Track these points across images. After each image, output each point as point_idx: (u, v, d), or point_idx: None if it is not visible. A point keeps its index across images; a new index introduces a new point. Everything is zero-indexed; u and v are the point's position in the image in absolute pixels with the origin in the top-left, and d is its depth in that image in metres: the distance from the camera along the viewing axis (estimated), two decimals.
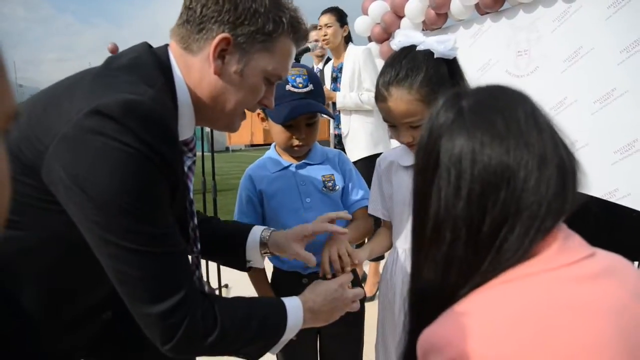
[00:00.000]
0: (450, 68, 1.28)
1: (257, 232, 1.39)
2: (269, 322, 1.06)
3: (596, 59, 3.62)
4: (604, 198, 3.05)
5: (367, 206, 1.67)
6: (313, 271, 1.58)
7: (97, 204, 0.84)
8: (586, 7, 3.68)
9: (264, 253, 1.40)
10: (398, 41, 1.33)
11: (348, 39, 3.69)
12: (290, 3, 1.09)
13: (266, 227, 1.42)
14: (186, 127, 1.08)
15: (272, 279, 1.74)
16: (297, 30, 1.09)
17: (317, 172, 1.64)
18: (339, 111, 3.63)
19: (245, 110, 1.16)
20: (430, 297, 0.71)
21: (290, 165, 1.64)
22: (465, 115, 0.70)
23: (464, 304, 0.67)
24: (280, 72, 1.10)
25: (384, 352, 1.57)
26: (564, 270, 0.64)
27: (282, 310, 1.08)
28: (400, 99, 1.27)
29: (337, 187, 1.64)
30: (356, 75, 3.54)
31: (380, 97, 1.33)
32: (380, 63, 5.21)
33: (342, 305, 1.20)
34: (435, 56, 1.26)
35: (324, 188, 1.62)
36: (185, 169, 1.16)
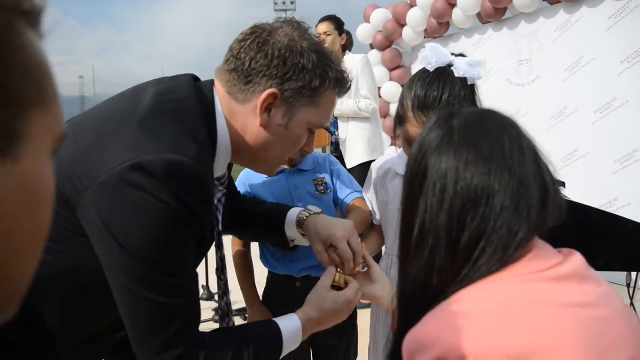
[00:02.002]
0: (473, 89, 1.27)
1: (294, 213, 1.40)
2: (262, 357, 1.03)
3: (597, 68, 3.63)
4: (603, 208, 3.05)
5: (360, 197, 1.66)
6: (306, 274, 1.60)
7: (126, 252, 0.86)
8: (587, 17, 3.70)
9: (302, 233, 1.40)
10: (434, 61, 1.27)
11: (344, 47, 3.71)
12: (335, 57, 1.10)
13: (303, 208, 1.44)
14: (221, 166, 1.09)
15: (267, 283, 1.74)
16: (343, 85, 1.11)
17: (308, 176, 1.66)
18: (336, 118, 3.66)
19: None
20: (416, 299, 0.75)
21: (284, 170, 1.64)
22: (454, 134, 0.74)
23: (445, 305, 0.70)
24: (323, 122, 1.12)
25: (375, 358, 1.56)
26: (535, 275, 0.69)
27: (278, 341, 1.07)
28: None
29: (329, 190, 1.65)
30: (354, 83, 3.55)
31: (415, 123, 1.26)
32: (380, 70, 5.24)
33: (344, 316, 1.18)
34: (468, 82, 1.24)
35: (315, 192, 1.63)
36: (215, 201, 1.16)
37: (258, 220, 1.48)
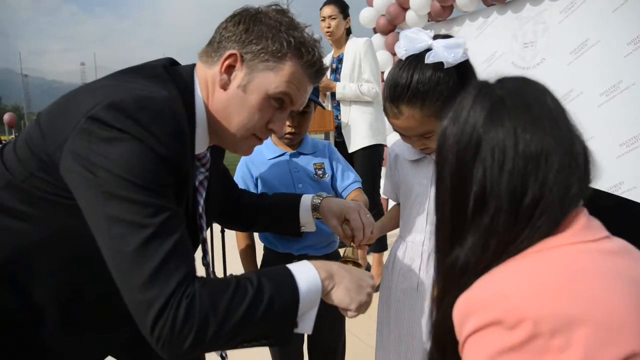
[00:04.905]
0: (460, 72, 1.22)
1: (307, 199, 1.49)
2: (274, 296, 0.92)
3: (603, 51, 3.58)
4: (609, 191, 3.03)
5: (359, 188, 1.77)
6: (304, 253, 1.66)
7: (104, 182, 0.86)
8: None
9: (318, 217, 1.49)
10: (404, 49, 1.25)
11: (349, 31, 3.69)
12: (306, 32, 1.13)
13: (315, 195, 1.51)
14: (200, 142, 1.11)
15: (263, 260, 1.79)
16: (302, 55, 1.10)
17: (308, 160, 1.74)
18: (339, 102, 3.66)
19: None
20: (471, 265, 0.76)
21: (285, 153, 1.73)
22: (507, 101, 0.76)
23: (500, 269, 0.72)
24: (283, 95, 1.10)
25: (381, 342, 1.55)
26: (590, 245, 0.70)
27: (291, 280, 0.96)
28: (412, 116, 1.23)
29: (327, 175, 1.75)
30: (356, 67, 3.46)
31: (390, 114, 1.28)
32: (383, 54, 5.20)
33: (364, 288, 1.06)
34: (445, 67, 1.20)
35: (315, 175, 1.72)
36: (197, 183, 1.18)
37: (269, 210, 1.52)
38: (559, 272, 0.67)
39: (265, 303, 0.91)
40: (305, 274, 0.99)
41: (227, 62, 1.07)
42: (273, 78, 1.08)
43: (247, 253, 1.79)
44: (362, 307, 1.06)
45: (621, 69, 3.45)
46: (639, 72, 3.37)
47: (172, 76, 1.06)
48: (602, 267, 0.67)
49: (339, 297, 1.03)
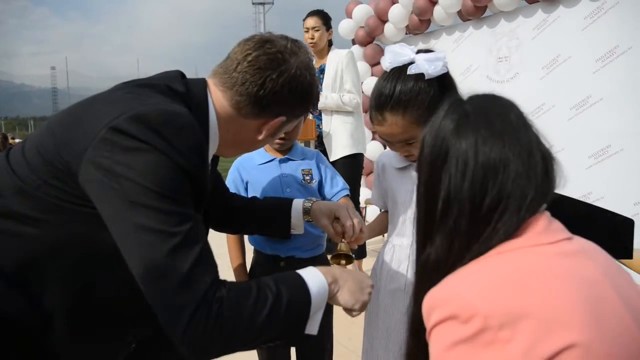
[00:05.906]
0: (441, 83, 1.31)
1: (298, 204, 1.56)
2: (290, 298, 0.99)
3: (573, 67, 3.75)
4: None
5: (347, 195, 1.84)
6: (291, 255, 1.72)
7: (129, 192, 0.88)
8: (564, 17, 3.81)
9: (309, 220, 1.56)
10: (389, 62, 1.35)
11: (330, 42, 3.76)
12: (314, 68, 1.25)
13: (306, 199, 1.58)
14: (211, 156, 1.18)
15: (252, 262, 1.86)
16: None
17: (297, 166, 1.81)
18: (321, 111, 3.74)
19: None
20: (441, 263, 0.83)
21: (275, 159, 1.80)
22: (471, 117, 0.83)
23: (463, 270, 0.79)
24: None
25: (369, 343, 1.59)
26: (547, 247, 0.77)
27: (303, 284, 1.03)
28: (395, 123, 1.32)
29: (314, 181, 1.81)
30: (338, 77, 3.59)
31: (375, 121, 1.37)
32: (362, 65, 5.30)
33: (365, 289, 1.14)
34: (426, 77, 1.28)
35: (302, 181, 1.78)
36: None
37: (261, 213, 1.60)
38: (512, 272, 0.74)
39: (284, 306, 0.97)
40: (314, 279, 1.05)
41: (274, 125, 1.17)
42: (296, 120, 1.27)
43: (240, 270, 1.85)
44: (364, 306, 1.14)
45: (590, 84, 3.61)
46: (606, 88, 3.53)
47: (187, 94, 1.09)
48: (554, 268, 0.74)
49: (344, 299, 1.10)
